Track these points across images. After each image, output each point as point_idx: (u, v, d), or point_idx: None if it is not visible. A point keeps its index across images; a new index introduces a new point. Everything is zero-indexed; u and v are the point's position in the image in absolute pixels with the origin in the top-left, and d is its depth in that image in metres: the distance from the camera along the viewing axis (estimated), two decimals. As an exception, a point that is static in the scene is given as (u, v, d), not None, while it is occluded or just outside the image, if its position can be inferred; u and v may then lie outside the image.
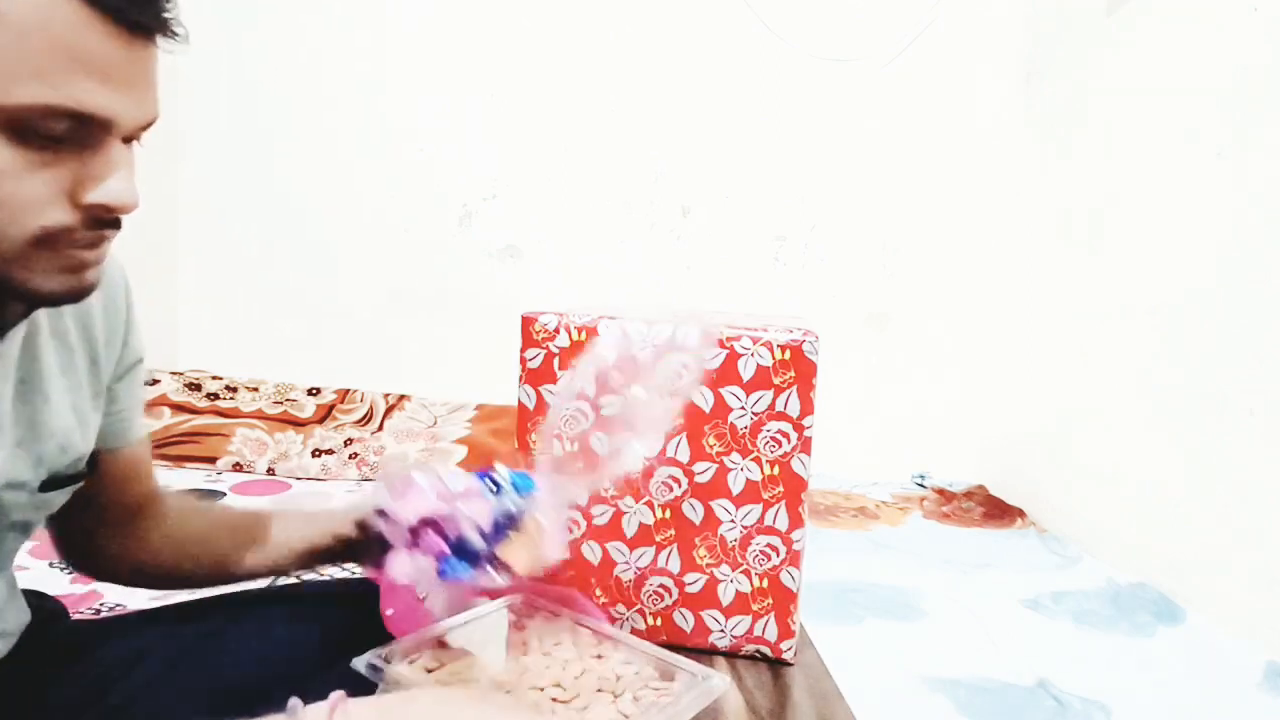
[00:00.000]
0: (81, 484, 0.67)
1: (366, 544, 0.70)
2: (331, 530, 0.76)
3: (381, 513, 0.63)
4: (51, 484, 0.64)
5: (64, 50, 0.45)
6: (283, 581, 0.97)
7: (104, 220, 0.51)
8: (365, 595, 0.73)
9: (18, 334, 0.60)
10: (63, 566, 1.52)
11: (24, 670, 0.70)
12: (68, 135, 0.48)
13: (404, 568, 0.62)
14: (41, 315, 0.62)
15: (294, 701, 0.46)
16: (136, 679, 0.72)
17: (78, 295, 0.54)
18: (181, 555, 0.78)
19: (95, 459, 0.69)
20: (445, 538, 0.61)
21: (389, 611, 0.70)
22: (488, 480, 0.64)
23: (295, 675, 0.74)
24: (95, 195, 0.49)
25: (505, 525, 0.62)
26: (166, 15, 0.50)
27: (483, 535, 0.62)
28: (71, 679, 0.71)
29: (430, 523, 0.62)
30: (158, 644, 0.75)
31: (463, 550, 0.61)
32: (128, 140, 0.52)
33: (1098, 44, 2.34)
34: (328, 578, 1.38)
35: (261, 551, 0.78)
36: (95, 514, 0.74)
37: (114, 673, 0.72)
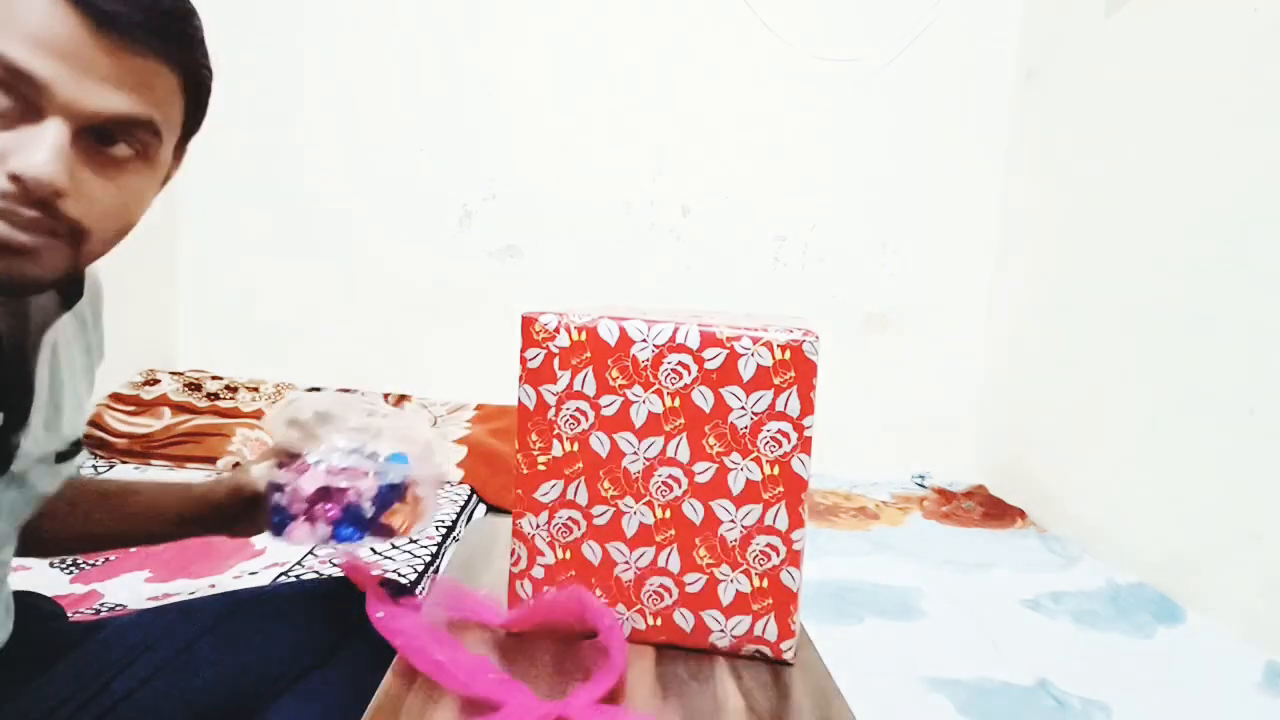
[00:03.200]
0: (76, 456, 0.72)
1: (238, 512, 0.79)
2: (206, 499, 0.81)
3: (277, 486, 0.71)
4: (61, 458, 0.68)
5: (12, 11, 0.48)
6: (282, 580, 0.97)
7: (30, 196, 0.50)
8: (360, 596, 0.73)
9: (57, 327, 0.64)
10: (64, 566, 1.52)
11: (22, 670, 0.70)
12: (6, 103, 0.49)
13: (303, 534, 0.71)
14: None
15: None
16: (134, 678, 0.72)
17: (13, 286, 0.53)
18: (58, 523, 0.80)
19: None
20: (339, 506, 0.71)
21: (379, 614, 0.70)
22: (368, 454, 0.74)
23: (291, 673, 0.74)
24: (14, 163, 0.49)
25: (390, 495, 0.73)
26: (145, 31, 0.51)
27: (374, 503, 0.72)
28: (69, 678, 0.71)
29: (325, 493, 0.70)
30: (155, 643, 0.76)
31: (354, 517, 0.71)
32: (95, 134, 0.52)
33: (1098, 44, 2.34)
34: (325, 576, 1.37)
35: (133, 520, 0.82)
36: None
37: (112, 672, 0.72)
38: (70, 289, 0.64)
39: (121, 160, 0.54)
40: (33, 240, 0.51)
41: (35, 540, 0.81)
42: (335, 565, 1.60)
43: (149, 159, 0.57)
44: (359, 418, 0.76)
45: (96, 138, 0.53)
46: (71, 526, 0.81)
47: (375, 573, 0.77)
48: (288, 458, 0.73)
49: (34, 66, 0.48)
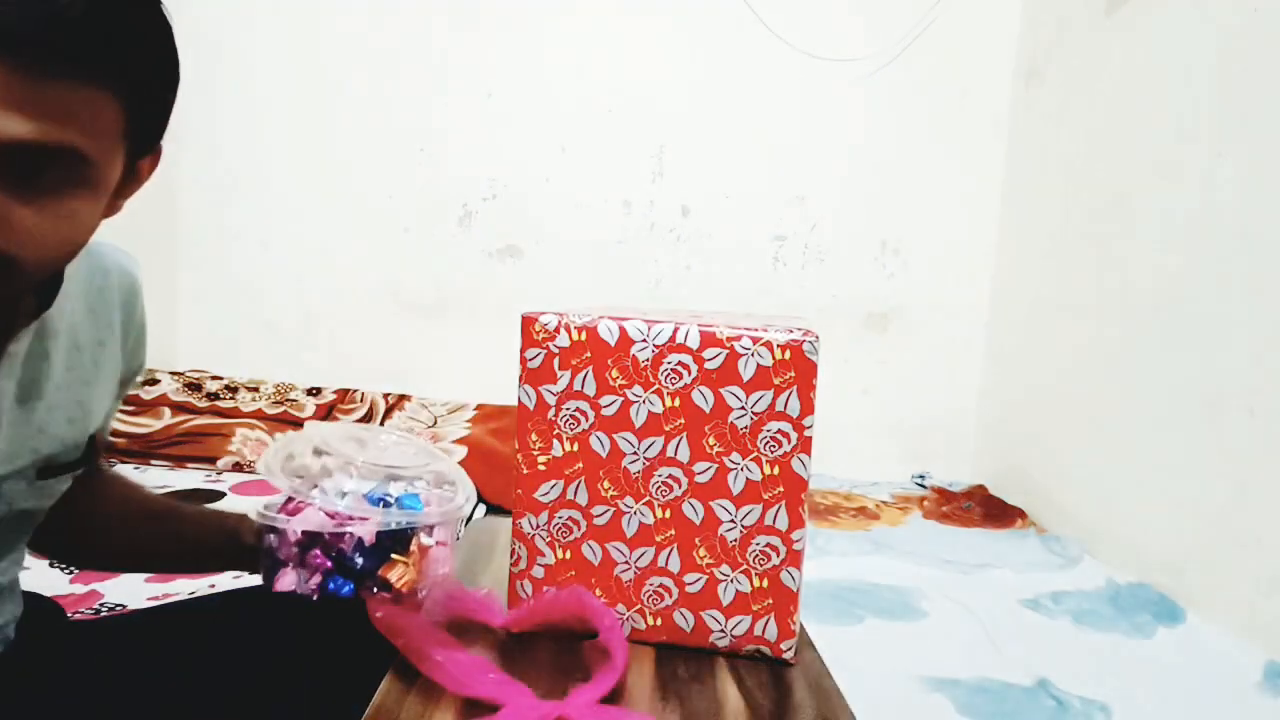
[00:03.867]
0: (79, 471, 0.69)
1: (256, 552, 0.70)
2: (235, 536, 0.77)
3: (270, 527, 0.65)
4: (49, 471, 0.65)
5: None
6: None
7: None
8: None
9: (26, 335, 0.61)
10: (64, 566, 1.52)
11: (20, 670, 0.70)
12: None
13: (289, 582, 0.65)
14: (54, 316, 0.64)
15: None
16: (134, 679, 0.72)
17: None
18: (120, 537, 0.79)
19: (89, 446, 0.71)
20: (330, 554, 0.64)
21: (379, 615, 0.69)
22: (377, 497, 0.67)
23: (291, 673, 0.74)
24: None
25: (390, 544, 0.65)
26: (80, 51, 0.48)
27: (366, 553, 0.65)
28: (68, 678, 0.71)
29: (317, 538, 0.64)
30: (155, 644, 0.76)
31: (345, 568, 0.64)
32: (11, 163, 0.49)
33: (1098, 44, 2.34)
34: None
35: (175, 543, 0.80)
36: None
37: (112, 672, 0.72)
38: (42, 297, 0.62)
39: (48, 187, 0.51)
40: None
41: (84, 554, 0.80)
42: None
43: (83, 183, 0.53)
44: (371, 452, 0.69)
45: (14, 167, 0.49)
46: (121, 543, 0.80)
47: None
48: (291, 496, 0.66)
49: None
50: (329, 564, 0.64)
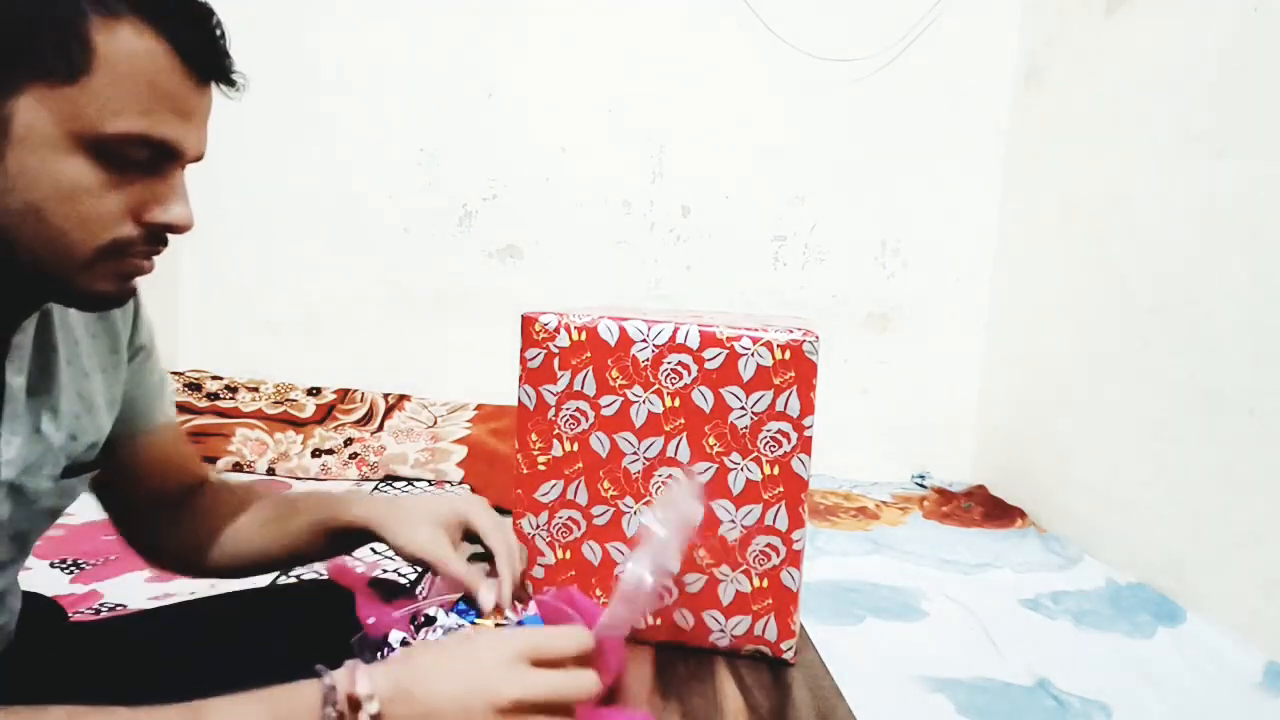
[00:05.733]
0: (99, 471, 0.70)
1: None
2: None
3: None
4: (70, 471, 0.66)
5: (155, 90, 0.53)
6: (282, 581, 0.96)
7: (160, 237, 0.58)
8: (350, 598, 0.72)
9: (29, 327, 0.61)
10: (64, 566, 1.52)
11: (20, 670, 0.70)
12: (143, 162, 0.54)
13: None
14: (53, 308, 0.64)
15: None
16: (135, 678, 0.72)
17: (122, 300, 0.60)
18: (241, 546, 0.78)
19: (112, 447, 0.71)
20: None
21: (370, 620, 0.69)
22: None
23: (291, 674, 0.74)
24: (159, 215, 0.56)
25: None
26: (230, 69, 0.59)
27: None
28: (68, 678, 0.71)
29: None
30: (155, 644, 0.76)
31: None
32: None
33: (1098, 44, 2.34)
34: (325, 577, 1.37)
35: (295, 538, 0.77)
36: (147, 503, 0.78)
37: (112, 672, 0.72)
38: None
39: None
40: (152, 266, 0.60)
41: (232, 568, 0.79)
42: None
43: None
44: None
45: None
46: (264, 544, 0.78)
47: (361, 570, 0.77)
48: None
49: (180, 138, 0.55)
50: None
